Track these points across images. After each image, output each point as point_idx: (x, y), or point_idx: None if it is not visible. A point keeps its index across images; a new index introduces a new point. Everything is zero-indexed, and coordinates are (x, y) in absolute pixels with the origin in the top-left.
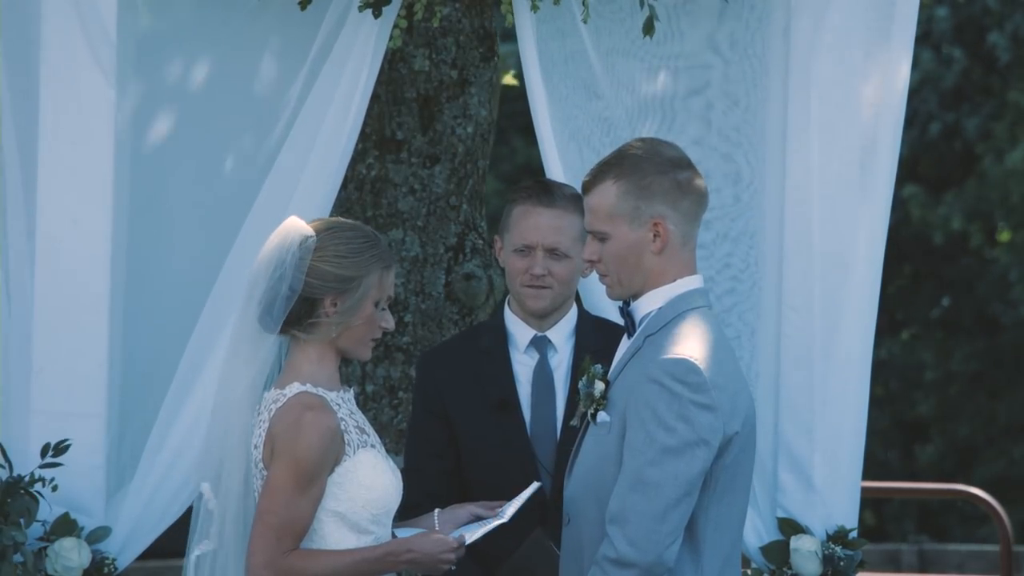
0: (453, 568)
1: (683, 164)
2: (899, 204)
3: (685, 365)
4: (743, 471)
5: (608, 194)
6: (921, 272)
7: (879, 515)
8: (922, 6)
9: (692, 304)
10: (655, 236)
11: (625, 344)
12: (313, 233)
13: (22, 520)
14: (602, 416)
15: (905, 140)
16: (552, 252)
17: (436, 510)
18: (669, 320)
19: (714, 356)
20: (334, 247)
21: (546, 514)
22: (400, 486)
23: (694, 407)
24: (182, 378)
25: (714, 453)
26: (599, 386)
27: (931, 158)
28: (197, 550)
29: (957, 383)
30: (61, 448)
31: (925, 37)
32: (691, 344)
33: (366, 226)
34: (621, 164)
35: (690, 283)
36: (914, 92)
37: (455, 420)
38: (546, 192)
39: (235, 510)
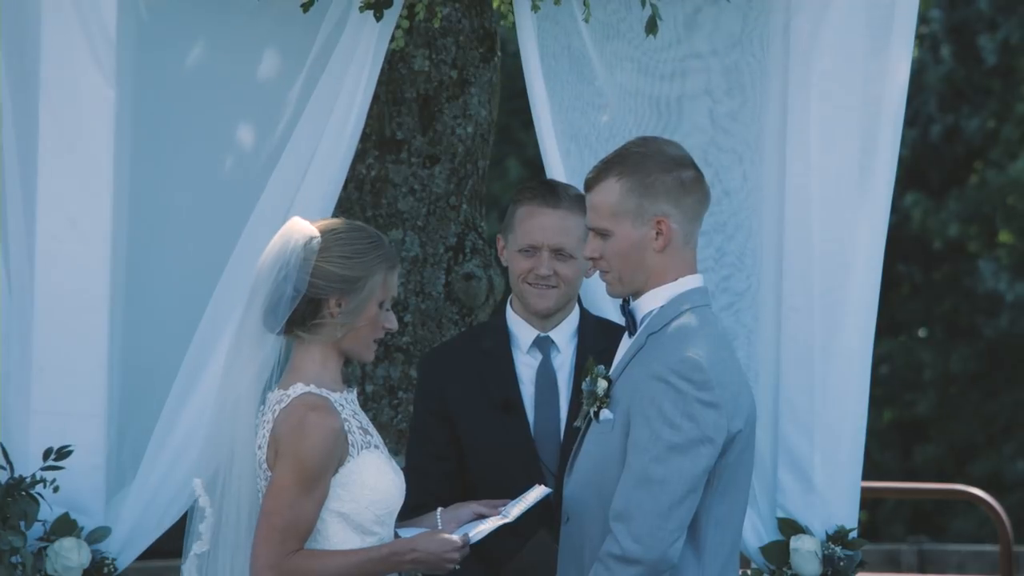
0: (457, 567)
1: (686, 163)
2: (900, 208)
3: (690, 363)
4: (744, 469)
5: (611, 192)
6: (920, 273)
7: (873, 515)
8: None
9: (693, 303)
10: (658, 234)
11: (626, 343)
12: (318, 234)
13: (22, 523)
14: (605, 414)
15: (905, 141)
16: (558, 253)
17: (439, 509)
18: (671, 319)
19: (717, 354)
20: (339, 248)
21: (550, 515)
22: (403, 486)
23: (699, 405)
24: (185, 378)
25: (718, 451)
26: (602, 384)
27: (931, 159)
28: (194, 549)
29: (956, 383)
30: (64, 453)
31: (920, 39)
32: (695, 342)
33: (370, 227)
34: (625, 162)
35: (691, 282)
36: (913, 94)
37: (458, 421)
38: (551, 193)
39: (238, 511)
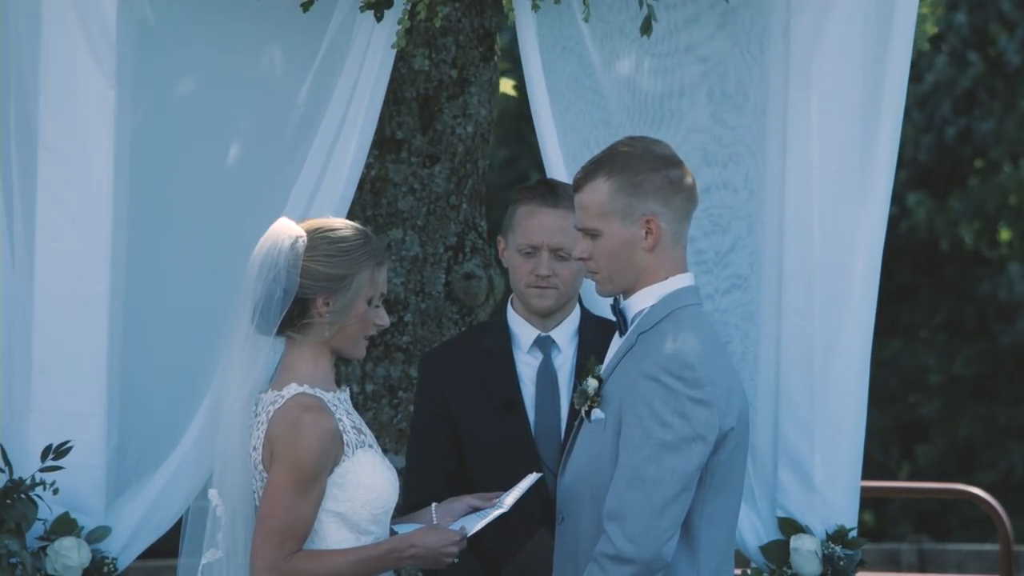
0: (456, 560)
1: (674, 162)
2: (906, 210)
3: (681, 361)
4: (737, 467)
5: (600, 191)
6: (925, 275)
7: (880, 517)
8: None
9: (684, 302)
10: (647, 233)
11: (617, 342)
12: (303, 233)
13: (21, 524)
14: (596, 413)
15: (921, 146)
16: (557, 252)
17: (433, 504)
18: (662, 318)
19: (708, 353)
20: (324, 247)
21: (550, 515)
22: (397, 485)
23: (690, 403)
24: (198, 381)
25: (710, 448)
26: (592, 383)
27: (945, 163)
28: (206, 558)
29: (959, 386)
30: (62, 451)
31: (941, 41)
32: (686, 341)
33: (356, 224)
34: (613, 162)
35: (682, 281)
36: (927, 97)
37: (459, 420)
38: (551, 192)
39: (233, 513)
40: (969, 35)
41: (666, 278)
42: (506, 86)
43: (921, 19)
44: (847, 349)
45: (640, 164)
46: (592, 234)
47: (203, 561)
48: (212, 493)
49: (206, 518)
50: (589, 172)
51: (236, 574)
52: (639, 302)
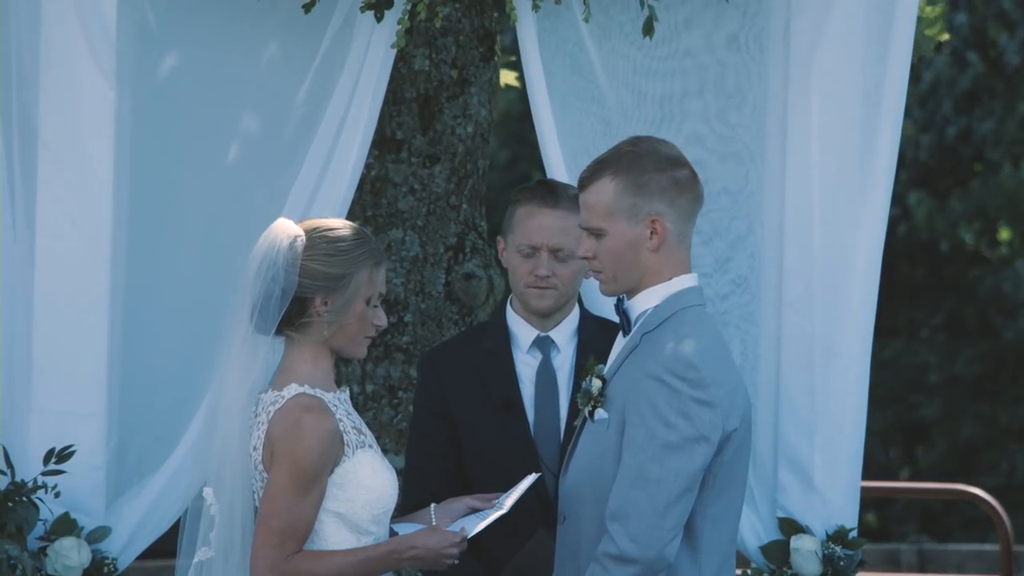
0: (456, 562)
1: (680, 162)
2: (906, 210)
3: (685, 361)
4: (740, 468)
5: (605, 191)
6: (927, 275)
7: (883, 518)
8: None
9: (688, 302)
10: (652, 233)
11: (621, 342)
12: (302, 233)
13: (22, 528)
14: (600, 413)
15: (922, 146)
16: (557, 253)
17: (432, 505)
18: (666, 318)
19: (712, 353)
20: (323, 246)
21: (549, 515)
22: (397, 485)
23: (694, 403)
24: (198, 381)
25: (714, 449)
26: (596, 384)
27: (947, 163)
28: (198, 556)
29: (960, 386)
30: (65, 455)
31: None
32: (690, 341)
33: (355, 224)
34: (619, 161)
35: (686, 281)
36: (927, 97)
37: (458, 420)
38: (551, 193)
39: (237, 516)
40: (969, 35)
41: (670, 278)
42: (508, 77)
43: (929, 24)
44: (847, 349)
45: (646, 164)
46: (597, 233)
47: (195, 559)
48: (207, 492)
49: None
50: (595, 171)
51: (232, 574)
52: (643, 302)
